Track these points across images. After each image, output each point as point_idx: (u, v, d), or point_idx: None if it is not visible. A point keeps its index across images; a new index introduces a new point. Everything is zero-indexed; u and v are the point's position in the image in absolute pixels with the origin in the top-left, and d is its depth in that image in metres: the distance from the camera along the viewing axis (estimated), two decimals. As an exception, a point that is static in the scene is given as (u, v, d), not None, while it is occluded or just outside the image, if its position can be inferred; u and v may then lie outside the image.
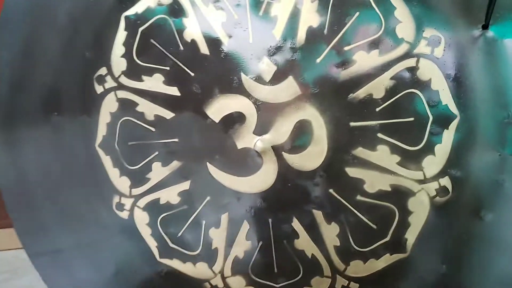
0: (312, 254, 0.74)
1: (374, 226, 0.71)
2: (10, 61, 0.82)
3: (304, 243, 0.74)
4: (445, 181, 0.67)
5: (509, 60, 0.63)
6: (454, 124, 0.65)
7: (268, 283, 0.77)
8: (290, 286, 0.76)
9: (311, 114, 0.69)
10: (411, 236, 0.70)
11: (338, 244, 0.72)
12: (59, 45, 0.79)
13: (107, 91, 0.77)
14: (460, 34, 0.64)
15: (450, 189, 0.67)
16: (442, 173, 0.67)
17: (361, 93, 0.67)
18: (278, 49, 0.69)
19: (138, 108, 0.76)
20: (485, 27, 0.62)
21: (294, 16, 0.68)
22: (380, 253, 0.71)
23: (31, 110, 0.81)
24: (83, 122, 0.79)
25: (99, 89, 0.77)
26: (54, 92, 0.80)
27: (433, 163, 0.67)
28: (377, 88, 0.67)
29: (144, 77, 0.75)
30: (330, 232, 0.72)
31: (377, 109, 0.67)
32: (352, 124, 0.68)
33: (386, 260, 0.71)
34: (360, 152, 0.69)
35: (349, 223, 0.71)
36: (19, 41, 0.81)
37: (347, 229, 0.72)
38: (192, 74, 0.73)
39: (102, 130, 0.78)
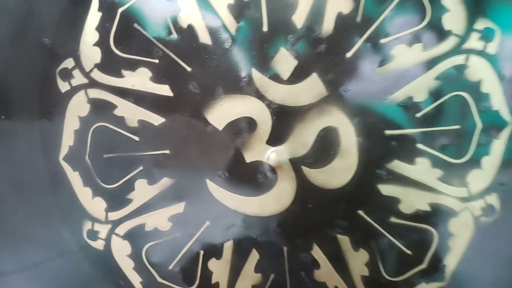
0: (335, 286, 0.62)
1: (409, 252, 0.60)
2: None
3: (326, 274, 0.62)
4: (492, 199, 0.58)
5: None
6: (505, 133, 0.56)
7: (280, 321, 0.64)
8: (307, 324, 0.64)
9: (339, 120, 0.57)
10: (451, 262, 0.60)
11: (367, 274, 0.61)
12: (7, 30, 0.60)
13: (74, 89, 0.60)
14: (519, 27, 0.54)
15: (497, 208, 0.58)
16: (489, 190, 0.57)
17: (399, 95, 0.56)
18: (299, 39, 0.56)
19: (117, 112, 0.60)
20: (547, 19, 0.53)
21: (321, -1, 0.55)
22: (414, 282, 0.61)
23: (-32, 112, 0.62)
24: (42, 129, 0.62)
25: (63, 86, 0.60)
26: (0, 89, 0.61)
27: (479, 178, 0.57)
28: (419, 89, 0.56)
29: (125, 72, 0.59)
30: (358, 261, 0.61)
31: (418, 115, 0.56)
32: (387, 132, 0.57)
33: (421, 290, 0.61)
34: (396, 166, 0.57)
35: (380, 249, 0.60)
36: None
37: (377, 256, 0.60)
38: (189, 68, 0.58)
39: (68, 139, 0.61)
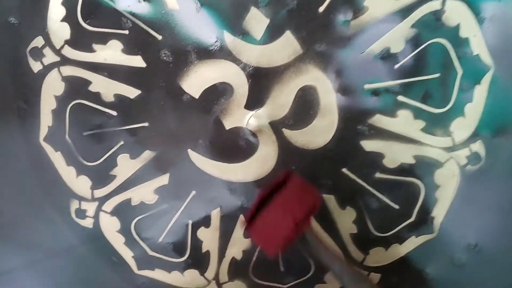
0: (325, 246, 0.62)
1: (397, 207, 0.60)
2: None
3: (314, 234, 0.62)
4: (477, 146, 0.57)
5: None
6: (487, 78, 0.54)
7: (273, 284, 0.64)
8: (300, 285, 0.64)
9: (316, 78, 0.56)
10: (439, 213, 0.59)
11: (355, 231, 0.61)
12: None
13: (47, 68, 0.59)
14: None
15: (483, 155, 0.57)
16: (473, 137, 0.57)
17: (376, 47, 0.54)
18: (269, -3, 0.54)
19: (92, 88, 0.59)
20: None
21: (288, -47, 0.53)
22: (404, 236, 0.61)
23: None
24: (19, 111, 0.61)
25: (35, 66, 0.59)
26: (-26, 74, 0.60)
27: (463, 126, 0.56)
28: (395, 40, 0.54)
29: (96, 46, 0.57)
30: (345, 219, 0.60)
31: (396, 66, 0.55)
32: (367, 86, 0.56)
33: (411, 243, 0.61)
34: (378, 120, 0.57)
35: (367, 206, 0.60)
36: None
37: (365, 213, 0.60)
38: (159, 37, 0.56)
39: (46, 120, 0.61)
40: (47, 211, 0.64)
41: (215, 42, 0.55)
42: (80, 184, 0.62)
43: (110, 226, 0.64)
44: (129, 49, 0.57)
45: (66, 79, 0.59)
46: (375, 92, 0.56)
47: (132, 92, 0.58)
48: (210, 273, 0.64)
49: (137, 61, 0.57)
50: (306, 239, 0.49)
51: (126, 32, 0.56)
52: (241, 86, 0.57)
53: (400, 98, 0.56)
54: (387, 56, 0.54)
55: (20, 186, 0.63)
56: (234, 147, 0.59)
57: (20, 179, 0.63)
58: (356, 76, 0.56)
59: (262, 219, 0.48)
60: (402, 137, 0.57)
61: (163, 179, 0.61)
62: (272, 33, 0.55)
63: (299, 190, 0.49)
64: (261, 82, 0.56)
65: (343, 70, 0.55)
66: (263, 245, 0.50)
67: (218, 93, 0.57)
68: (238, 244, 0.63)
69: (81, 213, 0.64)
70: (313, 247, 0.50)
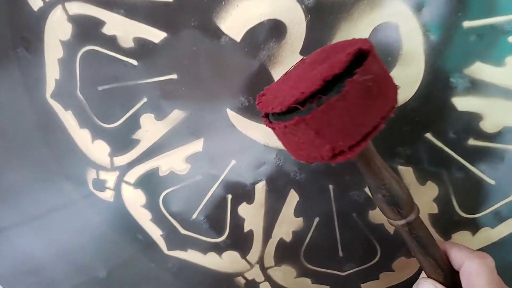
0: (396, 228, 0.50)
1: (492, 182, 0.47)
2: None
3: (383, 214, 0.50)
4: None
5: None
6: None
7: (329, 271, 0.54)
8: (363, 273, 0.53)
9: (398, 12, 0.42)
10: (548, 191, 0.46)
11: (436, 211, 0.49)
12: None
13: (49, 5, 0.47)
14: None
15: None
16: None
17: (485, -33, 0.40)
18: None
19: (106, 30, 0.47)
20: None
21: None
22: (498, 218, 0.48)
23: None
24: (19, 62, 0.50)
25: (35, 2, 0.47)
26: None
27: None
28: (514, -45, 0.39)
29: (108, -25, 0.45)
30: (424, 196, 0.48)
31: (511, -5, 0.40)
32: (466, 24, 0.41)
33: (507, 227, 0.49)
34: (478, 69, 0.43)
35: (453, 180, 0.47)
36: None
37: (450, 189, 0.48)
38: (190, -40, 0.43)
39: (53, 71, 0.49)
40: (60, 181, 0.54)
41: (264, -35, 0.42)
42: (97, 150, 0.52)
43: (134, 200, 0.54)
44: (151, -22, 0.44)
45: (73, 19, 0.47)
46: (478, 32, 0.41)
47: (156, 35, 0.46)
48: (253, 256, 0.54)
49: (162, -6, 0.44)
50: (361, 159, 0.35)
51: (147, -46, 0.43)
52: (296, 24, 0.43)
53: (512, 39, 0.41)
54: (499, -20, 0.40)
55: (28, 150, 0.53)
56: (285, 105, 0.46)
57: (27, 143, 0.52)
58: (452, 10, 0.41)
59: (289, 127, 0.31)
60: (509, 93, 0.43)
61: (197, 145, 0.50)
62: (341, -49, 0.41)
63: (362, 101, 0.29)
64: (324, 18, 0.43)
65: (435, 2, 0.41)
66: (286, 148, 0.35)
67: (266, 34, 0.44)
68: (287, 224, 0.52)
69: (100, 184, 0.53)
70: (367, 170, 0.36)
